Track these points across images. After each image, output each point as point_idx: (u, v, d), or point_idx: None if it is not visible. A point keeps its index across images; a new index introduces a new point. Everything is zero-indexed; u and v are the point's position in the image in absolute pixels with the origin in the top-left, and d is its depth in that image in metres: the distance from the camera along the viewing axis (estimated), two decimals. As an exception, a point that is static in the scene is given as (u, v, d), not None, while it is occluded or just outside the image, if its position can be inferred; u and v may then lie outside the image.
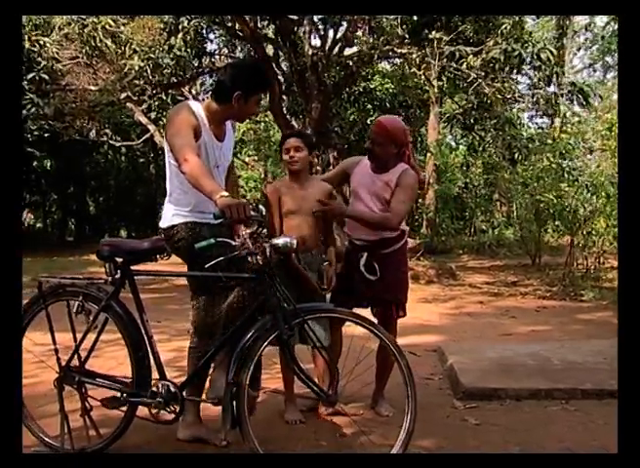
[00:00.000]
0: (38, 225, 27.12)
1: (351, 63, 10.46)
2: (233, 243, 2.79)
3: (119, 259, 3.00)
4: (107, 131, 16.58)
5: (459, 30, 8.66)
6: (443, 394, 4.21)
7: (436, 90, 12.49)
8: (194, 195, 2.91)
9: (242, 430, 2.65)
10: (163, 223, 3.06)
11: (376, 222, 3.62)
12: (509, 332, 6.33)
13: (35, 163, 20.21)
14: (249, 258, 2.75)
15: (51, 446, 3.09)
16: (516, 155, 10.47)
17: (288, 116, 14.26)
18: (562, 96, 8.45)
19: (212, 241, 2.71)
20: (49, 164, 20.50)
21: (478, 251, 16.16)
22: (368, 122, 13.62)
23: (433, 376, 4.64)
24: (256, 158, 17.21)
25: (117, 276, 2.98)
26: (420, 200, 19.27)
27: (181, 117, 2.94)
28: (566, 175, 9.29)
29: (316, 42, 14.18)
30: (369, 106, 13.64)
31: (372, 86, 14.33)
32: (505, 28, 7.73)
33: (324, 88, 11.33)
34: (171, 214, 3.04)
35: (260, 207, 2.81)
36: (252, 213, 2.61)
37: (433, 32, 8.37)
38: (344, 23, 11.83)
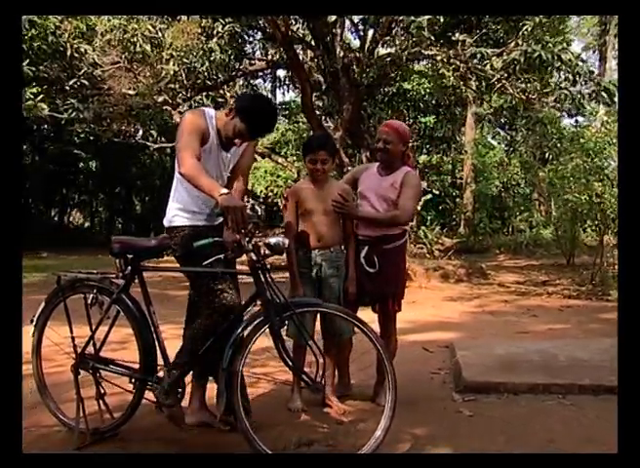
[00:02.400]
0: (86, 224, 27.97)
1: (382, 65, 10.56)
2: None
3: (130, 256, 3.26)
4: (153, 132, 17.08)
5: (483, 31, 8.73)
6: (445, 387, 4.36)
7: (474, 89, 12.46)
8: (195, 194, 3.15)
9: (235, 413, 2.87)
10: (165, 222, 3.29)
11: (387, 221, 3.85)
12: (526, 331, 6.40)
13: (81, 164, 20.98)
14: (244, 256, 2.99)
15: (69, 426, 3.37)
16: (547, 154, 10.44)
17: (323, 116, 14.49)
18: (589, 95, 8.42)
19: (210, 240, 2.94)
20: (94, 165, 21.23)
21: (515, 250, 16.09)
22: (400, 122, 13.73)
23: (440, 371, 4.79)
24: (294, 158, 17.47)
25: (127, 271, 3.24)
26: (457, 199, 19.38)
27: (191, 121, 3.13)
28: (593, 174, 9.26)
29: (356, 43, 14.41)
30: (402, 107, 13.77)
31: (408, 86, 14.43)
32: (527, 30, 7.80)
33: (356, 89, 11.49)
34: (172, 215, 3.26)
35: (257, 207, 3.01)
36: (249, 212, 2.83)
37: (457, 34, 8.47)
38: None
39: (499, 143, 22.09)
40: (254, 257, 2.95)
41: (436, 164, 16.92)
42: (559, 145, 10.09)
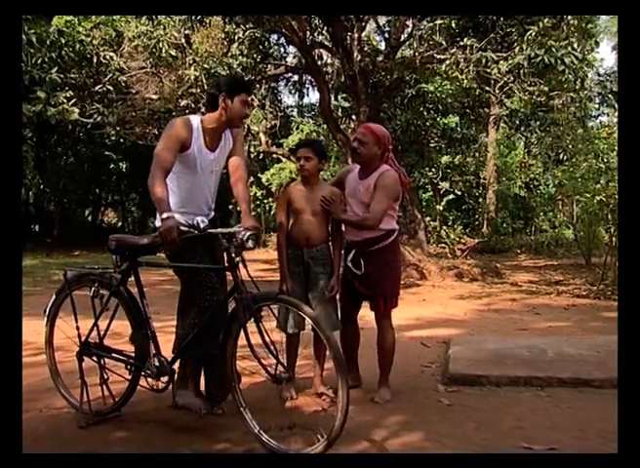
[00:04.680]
0: (119, 224, 28.70)
1: (398, 69, 10.78)
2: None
3: (126, 253, 3.57)
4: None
5: (492, 36, 8.88)
6: (432, 380, 4.56)
7: (490, 91, 12.55)
8: (181, 196, 3.45)
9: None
10: (157, 222, 3.58)
11: (356, 224, 4.02)
12: (526, 328, 6.55)
13: (112, 165, 21.69)
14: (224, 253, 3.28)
15: (76, 408, 3.70)
16: (561, 155, 10.53)
17: (345, 118, 14.74)
18: (596, 96, 8.51)
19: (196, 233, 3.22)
20: (124, 166, 21.89)
21: (536, 250, 16.12)
22: (419, 123, 13.92)
23: (432, 364, 4.99)
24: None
25: (123, 267, 3.55)
26: (480, 200, 19.44)
27: (172, 130, 3.41)
28: (603, 176, 9.31)
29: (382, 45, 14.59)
30: (421, 109, 13.93)
31: (431, 88, 14.54)
32: (531, 34, 7.94)
33: (375, 92, 11.74)
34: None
35: (200, 224, 3.24)
36: (183, 228, 3.13)
37: (465, 39, 8.63)
38: (410, 24, 12.15)
39: (527, 146, 22.06)
40: (233, 253, 3.21)
41: (459, 164, 17.04)
42: (571, 146, 10.16)
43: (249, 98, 3.61)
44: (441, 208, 15.60)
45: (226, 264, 3.34)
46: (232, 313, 3.25)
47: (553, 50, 7.51)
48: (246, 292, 3.20)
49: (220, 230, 3.27)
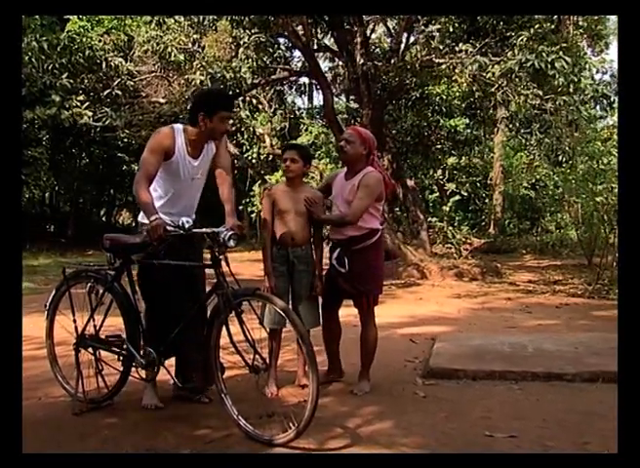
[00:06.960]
0: (133, 224, 29.10)
1: (399, 73, 10.97)
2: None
3: (119, 251, 3.82)
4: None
5: (486, 41, 9.07)
6: (413, 374, 4.74)
7: (501, 92, 12.70)
8: (166, 199, 3.71)
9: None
10: (140, 217, 3.82)
11: (336, 221, 4.26)
12: (515, 326, 6.70)
13: (124, 167, 22.10)
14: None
15: (72, 396, 3.96)
16: (560, 157, 10.66)
17: (351, 120, 14.96)
18: (589, 100, 8.65)
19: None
20: (136, 168, 22.28)
21: (541, 250, 16.22)
22: (425, 125, 14.07)
23: (415, 359, 5.17)
24: (328, 160, 17.95)
25: (117, 264, 3.81)
26: (486, 200, 19.57)
27: (156, 139, 3.65)
28: (598, 177, 9.44)
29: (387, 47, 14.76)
30: (426, 111, 14.07)
31: (438, 90, 14.65)
32: (522, 39, 8.11)
33: (379, 95, 11.95)
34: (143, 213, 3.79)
35: (183, 220, 3.46)
36: (169, 228, 3.36)
37: (460, 44, 8.81)
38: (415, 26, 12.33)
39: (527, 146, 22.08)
40: (217, 251, 3.46)
41: (465, 166, 17.17)
42: (568, 148, 10.29)
43: (229, 114, 3.80)
44: (447, 209, 15.75)
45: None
46: (214, 308, 3.50)
47: (544, 54, 7.70)
48: (227, 288, 3.44)
49: (203, 230, 3.51)
